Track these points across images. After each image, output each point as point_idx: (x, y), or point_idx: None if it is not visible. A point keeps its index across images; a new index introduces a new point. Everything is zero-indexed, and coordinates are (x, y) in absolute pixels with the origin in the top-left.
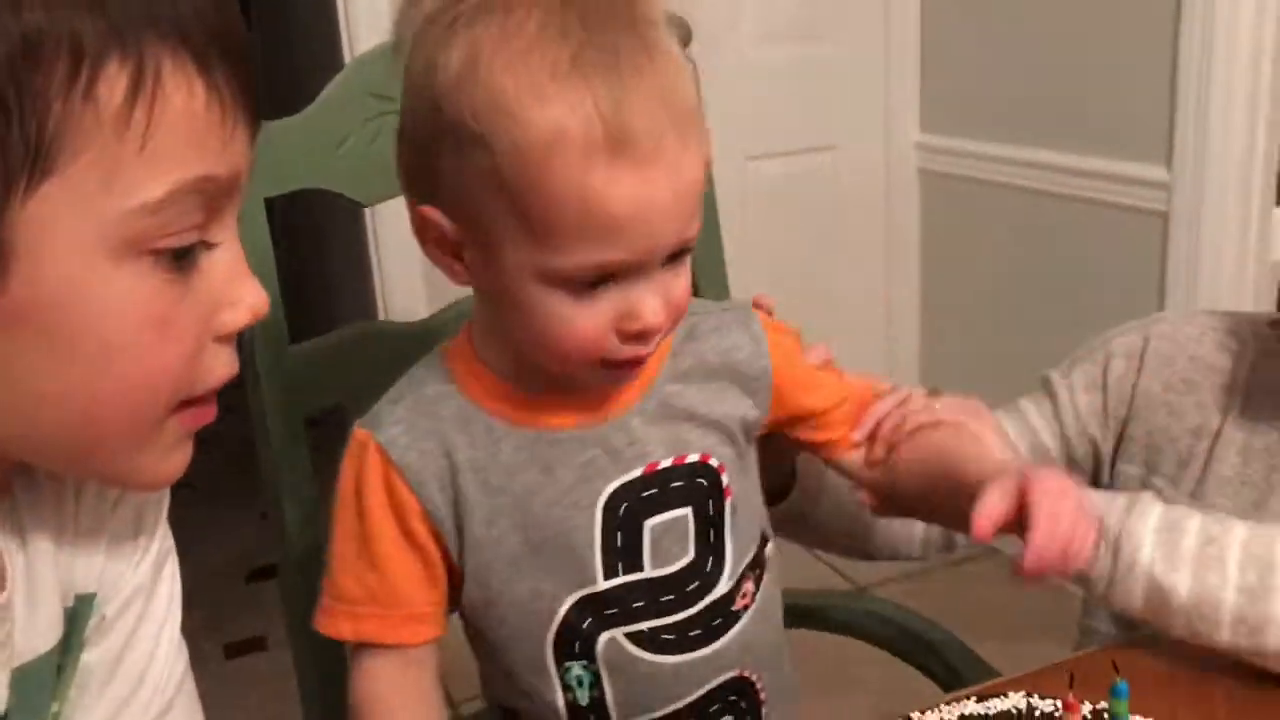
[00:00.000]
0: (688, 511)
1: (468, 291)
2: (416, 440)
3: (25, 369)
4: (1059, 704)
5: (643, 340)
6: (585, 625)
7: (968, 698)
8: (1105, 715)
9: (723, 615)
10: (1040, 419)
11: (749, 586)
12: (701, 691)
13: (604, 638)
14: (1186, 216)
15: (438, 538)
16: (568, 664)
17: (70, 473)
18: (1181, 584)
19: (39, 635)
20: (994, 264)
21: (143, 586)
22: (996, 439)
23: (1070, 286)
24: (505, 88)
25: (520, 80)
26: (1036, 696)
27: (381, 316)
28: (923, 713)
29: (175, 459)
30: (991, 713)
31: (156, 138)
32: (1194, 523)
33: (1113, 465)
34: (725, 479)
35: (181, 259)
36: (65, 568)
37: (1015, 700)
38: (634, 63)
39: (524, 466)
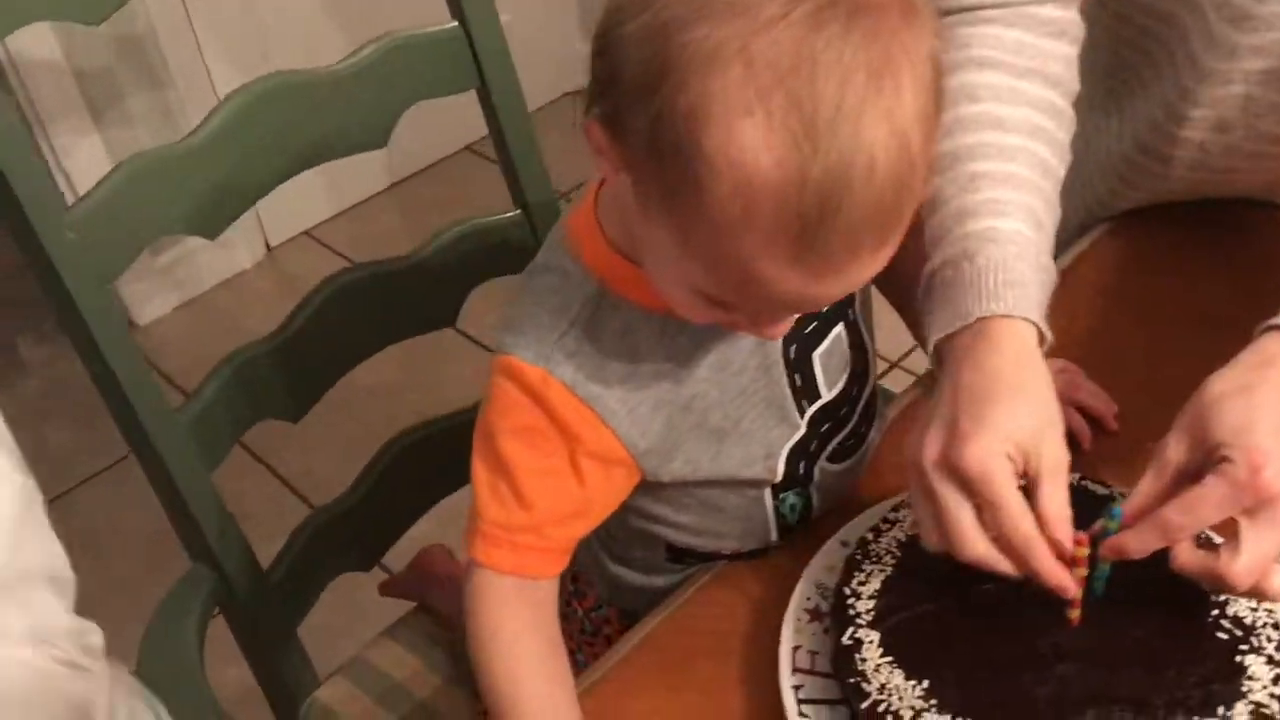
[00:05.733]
0: (839, 328)
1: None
2: (596, 370)
3: None
4: None
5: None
6: (800, 469)
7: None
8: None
9: (874, 404)
10: None
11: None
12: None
13: (815, 470)
14: None
15: (626, 460)
16: (783, 496)
17: None
18: None
19: None
20: None
21: None
22: None
23: None
24: (718, 131)
25: (735, 133)
26: None
27: (62, 180)
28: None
29: None
30: None
31: None
32: None
33: None
34: None
35: None
36: None
37: None
38: (870, 157)
39: (704, 347)
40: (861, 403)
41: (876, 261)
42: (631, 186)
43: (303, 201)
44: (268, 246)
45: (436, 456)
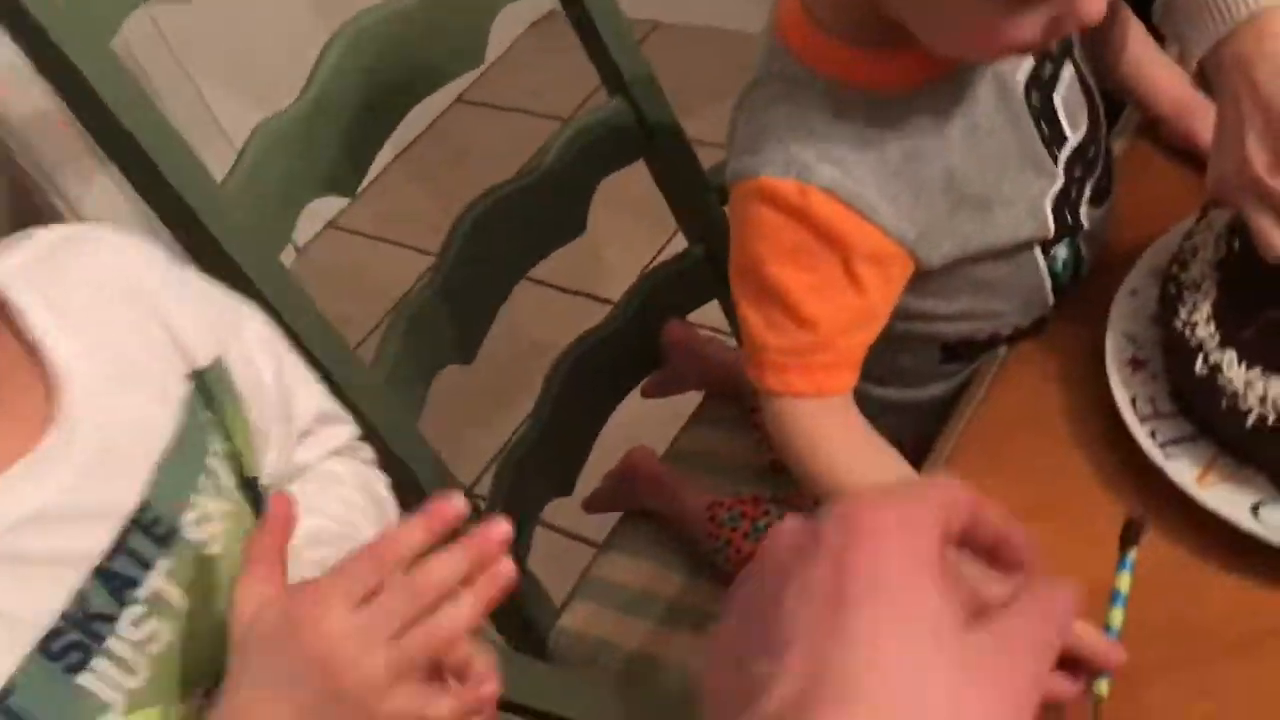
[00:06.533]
0: (1069, 68)
1: None
2: (850, 168)
3: None
4: None
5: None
6: (1067, 219)
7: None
8: None
9: (1105, 150)
10: None
11: None
12: None
13: (1081, 217)
14: None
15: (898, 254)
16: (1053, 252)
17: None
18: None
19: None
20: None
21: None
22: None
23: None
24: None
25: None
26: None
27: None
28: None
29: None
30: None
31: None
32: None
33: None
34: None
35: None
36: None
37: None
38: None
39: (949, 117)
40: (1103, 141)
41: None
42: None
43: None
44: (296, 248)
45: (601, 369)
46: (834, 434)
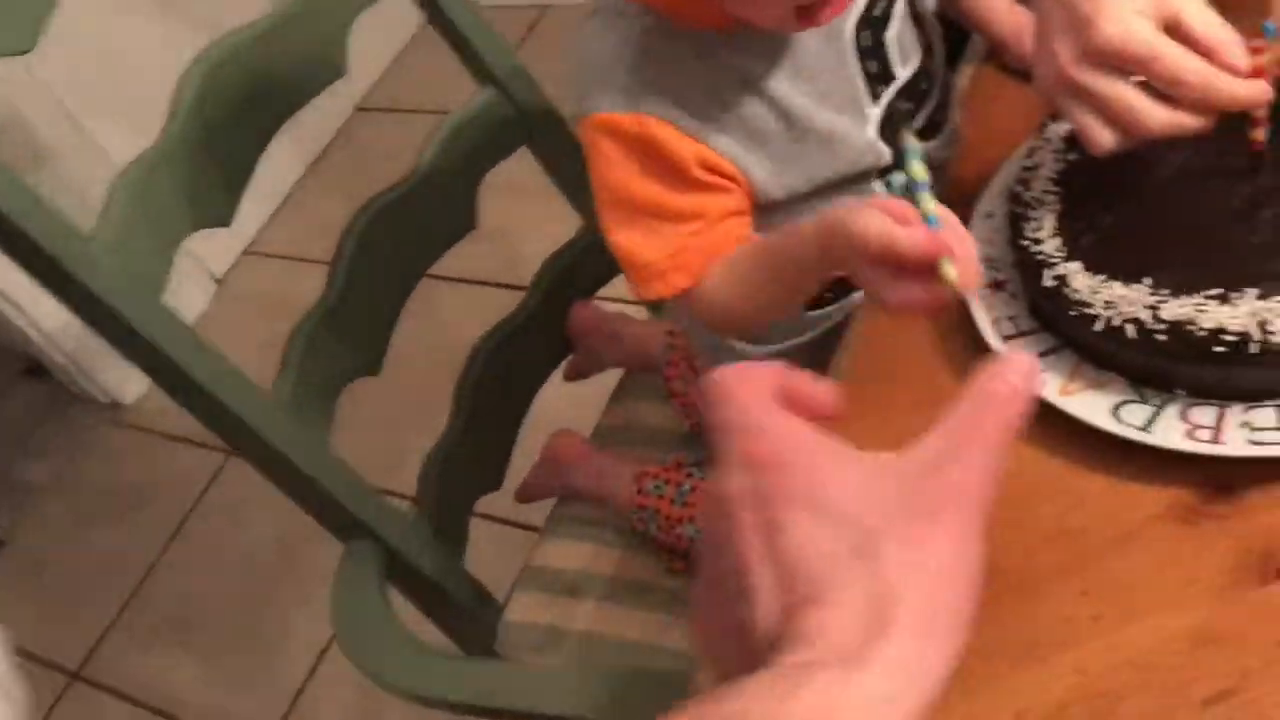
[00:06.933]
0: (901, 4)
1: None
2: (682, 98)
3: None
4: None
5: None
6: (896, 148)
7: None
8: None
9: (950, 80)
10: None
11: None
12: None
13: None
14: None
15: (735, 175)
16: (889, 179)
17: None
18: None
19: None
20: None
21: None
22: None
23: None
24: None
25: None
26: None
27: None
28: None
29: None
30: None
31: None
32: None
33: None
34: None
35: None
36: None
37: None
38: None
39: (773, 58)
40: (939, 74)
41: None
42: None
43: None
44: (215, 280)
45: (516, 359)
46: (735, 267)
